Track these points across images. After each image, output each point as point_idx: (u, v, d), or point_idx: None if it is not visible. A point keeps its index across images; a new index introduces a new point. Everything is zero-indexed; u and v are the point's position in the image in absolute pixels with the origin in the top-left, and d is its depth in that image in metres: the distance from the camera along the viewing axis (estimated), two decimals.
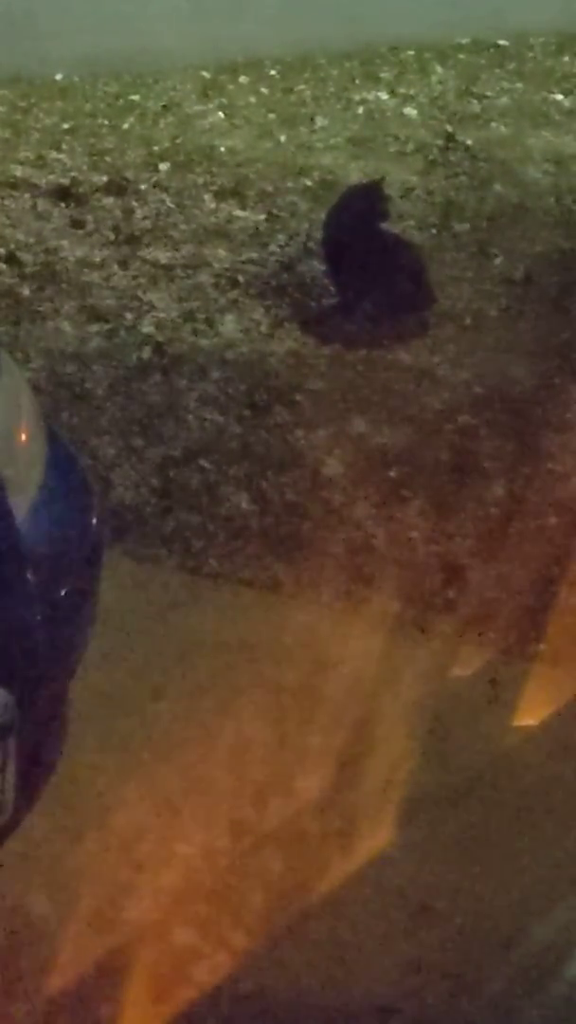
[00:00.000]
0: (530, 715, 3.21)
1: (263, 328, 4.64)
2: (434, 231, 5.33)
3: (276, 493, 3.88)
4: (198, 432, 4.11)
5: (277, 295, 4.84)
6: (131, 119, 6.13)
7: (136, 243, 5.10)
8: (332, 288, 4.79)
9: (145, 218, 5.27)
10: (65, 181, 5.47)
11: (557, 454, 4.08)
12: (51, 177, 5.51)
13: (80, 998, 2.53)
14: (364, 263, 4.67)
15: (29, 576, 2.33)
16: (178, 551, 3.67)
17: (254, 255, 5.07)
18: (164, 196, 5.44)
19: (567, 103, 6.58)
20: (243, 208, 5.39)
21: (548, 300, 4.91)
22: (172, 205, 5.38)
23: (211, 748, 2.99)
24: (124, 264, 4.96)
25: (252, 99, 6.40)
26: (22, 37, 6.28)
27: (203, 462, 3.98)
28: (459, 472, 4.00)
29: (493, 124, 6.29)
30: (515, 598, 3.54)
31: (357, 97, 6.50)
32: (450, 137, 6.09)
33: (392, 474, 3.97)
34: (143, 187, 5.48)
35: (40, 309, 4.65)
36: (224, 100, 6.36)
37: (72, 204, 5.32)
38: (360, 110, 6.37)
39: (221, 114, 6.22)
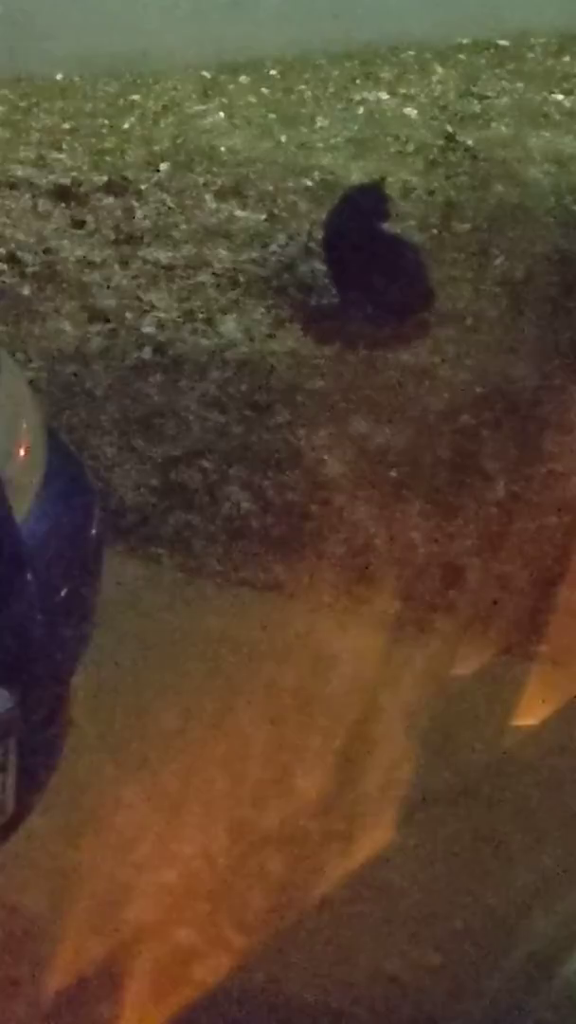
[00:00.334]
0: (530, 715, 3.21)
1: (264, 328, 4.64)
2: (434, 231, 5.33)
3: (277, 493, 3.88)
4: (198, 432, 4.11)
5: (278, 295, 4.84)
6: (131, 119, 6.13)
7: (136, 243, 5.10)
8: (333, 288, 4.79)
9: (145, 218, 5.27)
10: (65, 181, 5.47)
11: (558, 454, 4.08)
12: (51, 177, 5.51)
13: (79, 998, 2.53)
14: (365, 263, 4.67)
15: (29, 576, 2.33)
16: (178, 551, 3.67)
17: (255, 255, 5.07)
18: (165, 196, 5.44)
19: (568, 103, 6.57)
20: (244, 208, 5.39)
21: (549, 300, 4.91)
22: (172, 205, 5.38)
23: (211, 748, 3.00)
24: (124, 264, 4.96)
25: (253, 99, 6.39)
26: (22, 37, 6.28)
27: (204, 462, 3.98)
28: (460, 472, 4.00)
29: (493, 124, 6.29)
30: (516, 598, 3.54)
31: (357, 97, 6.50)
32: (450, 137, 6.08)
33: (393, 474, 3.97)
34: (143, 187, 5.48)
35: (40, 309, 4.65)
36: (225, 100, 6.36)
37: (72, 204, 5.31)
38: (360, 110, 6.37)
39: (221, 114, 6.21)
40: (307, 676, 3.20)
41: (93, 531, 2.59)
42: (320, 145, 5.98)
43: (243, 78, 6.58)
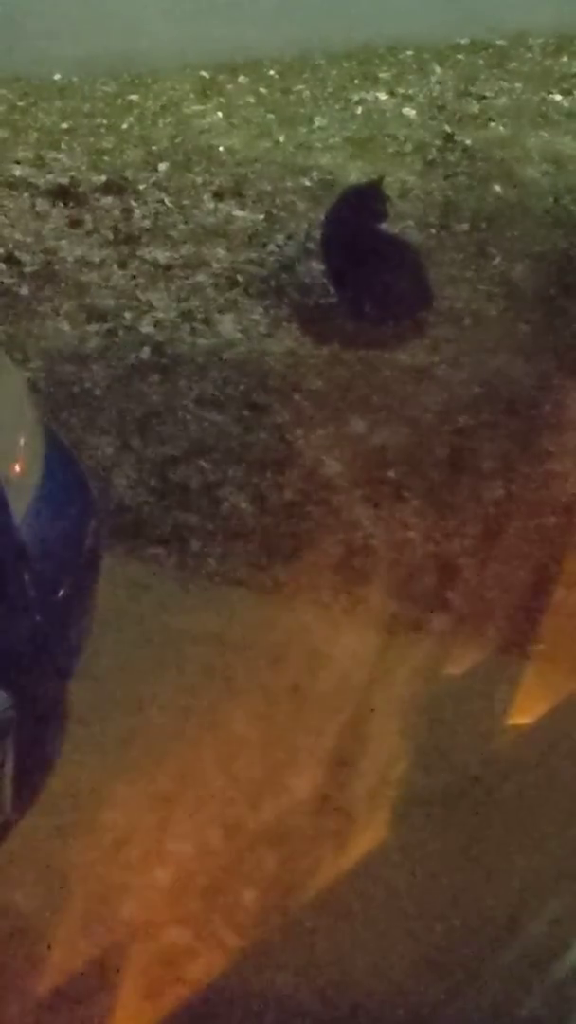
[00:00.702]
0: (526, 714, 3.22)
1: (262, 328, 4.65)
2: (433, 231, 5.33)
3: (275, 493, 3.89)
4: (197, 432, 4.12)
5: (276, 295, 4.84)
6: (130, 119, 6.13)
7: (135, 243, 5.10)
8: (331, 288, 4.79)
9: (144, 218, 5.28)
10: (64, 181, 5.48)
11: (555, 454, 4.09)
12: (50, 177, 5.52)
13: (73, 997, 2.53)
14: (363, 263, 4.68)
15: (27, 577, 2.33)
16: (176, 551, 3.68)
17: (253, 255, 5.08)
18: (163, 196, 5.44)
19: (566, 103, 6.58)
20: (242, 208, 5.39)
21: (547, 300, 4.92)
22: (171, 205, 5.38)
23: (206, 747, 3.00)
24: (123, 264, 4.97)
25: (251, 99, 6.40)
26: (21, 37, 6.29)
27: (202, 462, 3.99)
28: (457, 472, 4.01)
29: (492, 124, 6.29)
30: (512, 597, 3.55)
31: (356, 97, 6.50)
32: (449, 137, 6.09)
33: (390, 474, 3.98)
34: (142, 187, 5.49)
35: (39, 309, 4.66)
36: (223, 100, 6.36)
37: (71, 204, 5.32)
38: (359, 110, 6.37)
39: (220, 114, 6.22)
40: (303, 675, 3.21)
41: (91, 531, 2.60)
42: (318, 145, 5.98)
43: (241, 78, 6.58)
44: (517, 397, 4.35)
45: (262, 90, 6.50)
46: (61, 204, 5.31)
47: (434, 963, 2.67)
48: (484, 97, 6.58)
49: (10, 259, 4.93)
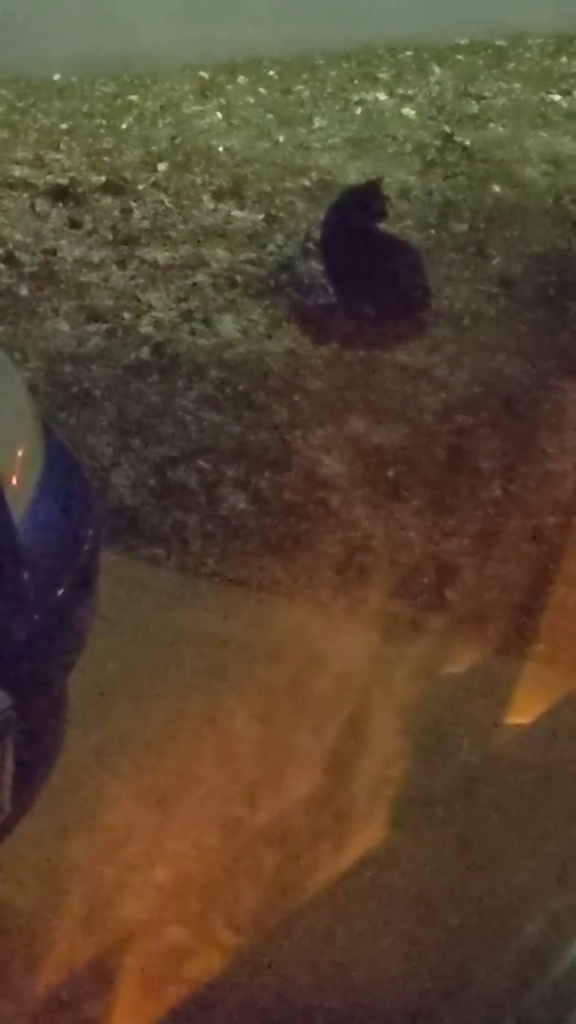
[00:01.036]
0: (524, 713, 3.22)
1: (261, 328, 4.65)
2: (432, 231, 5.34)
3: (274, 493, 3.89)
4: (196, 432, 4.12)
5: (275, 295, 4.85)
6: (129, 119, 6.14)
7: (134, 243, 5.11)
8: (330, 288, 4.80)
9: (143, 218, 5.28)
10: (63, 181, 5.48)
11: (554, 454, 4.09)
12: (49, 177, 5.52)
13: (71, 997, 2.53)
14: (362, 263, 4.68)
15: (26, 575, 2.33)
16: (176, 551, 3.68)
17: (252, 255, 5.08)
18: (162, 196, 5.45)
19: (565, 104, 6.59)
20: (241, 208, 5.40)
21: (546, 300, 4.92)
22: (170, 205, 5.39)
23: (206, 747, 3.00)
24: (122, 264, 4.97)
25: (250, 99, 6.41)
26: (20, 37, 6.29)
27: (201, 462, 3.99)
28: (456, 472, 4.01)
29: (491, 124, 6.30)
30: (511, 597, 3.55)
31: (355, 97, 6.51)
32: (448, 137, 6.10)
33: (389, 474, 3.98)
34: (141, 187, 5.49)
35: (38, 309, 4.66)
36: (222, 100, 6.37)
37: (70, 204, 5.33)
38: (358, 110, 6.38)
39: (219, 114, 6.23)
40: (302, 675, 3.21)
41: (90, 530, 2.60)
42: (318, 145, 5.99)
43: (241, 78, 6.59)
44: (516, 397, 4.35)
45: (262, 90, 6.51)
46: (60, 204, 5.32)
47: (433, 963, 2.67)
48: (483, 97, 6.59)
49: (10, 259, 4.93)
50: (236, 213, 5.36)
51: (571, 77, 6.90)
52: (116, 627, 3.15)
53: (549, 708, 3.23)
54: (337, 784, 2.97)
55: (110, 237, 5.13)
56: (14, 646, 2.29)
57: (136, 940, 2.62)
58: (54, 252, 5.01)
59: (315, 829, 2.89)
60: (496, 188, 5.70)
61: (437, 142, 6.06)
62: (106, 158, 5.73)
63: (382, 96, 6.54)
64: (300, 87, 6.58)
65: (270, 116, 6.25)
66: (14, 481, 2.43)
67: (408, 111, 6.39)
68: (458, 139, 6.09)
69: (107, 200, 5.38)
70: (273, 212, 5.38)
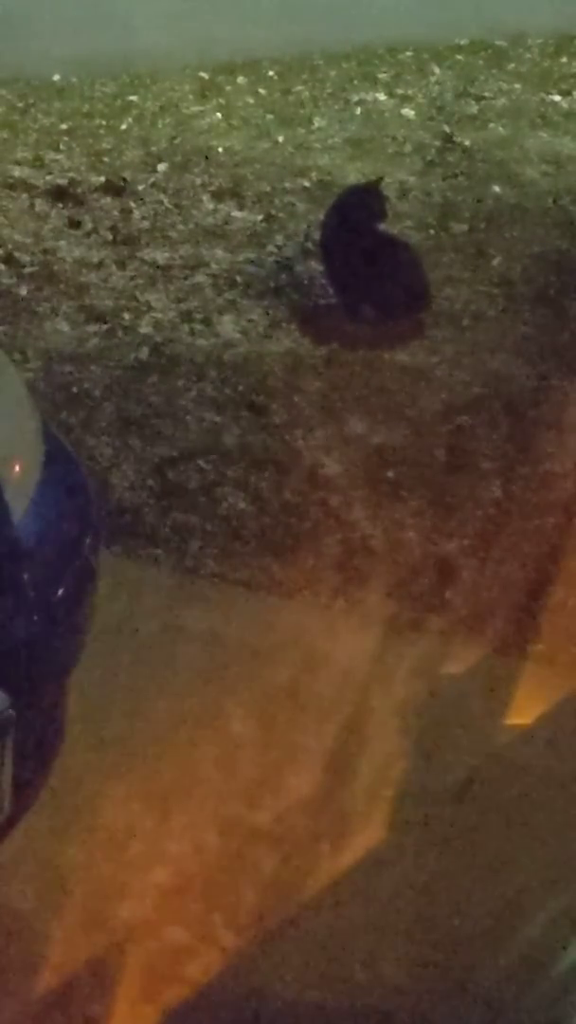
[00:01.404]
0: (524, 714, 3.22)
1: (261, 328, 4.65)
2: (432, 232, 5.34)
3: (273, 493, 3.89)
4: (196, 432, 4.12)
5: (275, 295, 4.84)
6: (129, 119, 6.13)
7: (134, 243, 5.10)
8: (330, 289, 4.79)
9: (143, 218, 5.28)
10: (63, 181, 5.48)
11: (554, 454, 4.09)
12: (49, 177, 5.52)
13: (71, 997, 2.53)
14: (362, 264, 4.68)
15: (25, 576, 2.33)
16: (175, 551, 3.68)
17: (252, 255, 5.08)
18: (162, 196, 5.45)
19: (565, 104, 6.58)
20: (241, 209, 5.39)
21: (546, 301, 4.92)
22: (170, 205, 5.39)
23: (205, 747, 3.00)
24: (122, 264, 4.97)
25: (250, 100, 6.40)
26: (20, 37, 6.28)
27: (201, 462, 3.99)
28: (456, 472, 4.01)
29: (491, 125, 6.30)
30: (510, 597, 3.55)
31: (355, 98, 6.51)
32: (448, 138, 6.10)
33: (389, 474, 3.98)
34: (141, 187, 5.49)
35: (38, 309, 4.66)
36: (222, 101, 6.36)
37: (70, 204, 5.32)
38: (358, 111, 6.38)
39: (219, 115, 6.22)
40: (302, 675, 3.21)
41: (90, 530, 2.60)
42: (317, 146, 5.99)
43: (240, 79, 6.59)
44: (516, 397, 4.35)
45: (261, 91, 6.51)
46: (60, 205, 5.32)
47: (433, 963, 2.67)
48: (483, 98, 6.59)
49: (9, 260, 4.93)
50: (236, 213, 5.36)
51: (571, 77, 6.89)
52: (116, 627, 3.15)
53: (549, 708, 3.23)
54: (337, 784, 2.97)
55: (110, 237, 5.13)
56: (14, 646, 2.29)
57: (136, 940, 2.62)
58: (54, 252, 5.01)
59: (315, 829, 2.89)
60: (496, 188, 5.69)
61: (437, 142, 6.06)
62: (106, 158, 5.73)
63: (382, 96, 6.54)
64: (300, 87, 6.58)
65: (270, 116, 6.25)
66: (14, 481, 2.43)
67: (408, 111, 6.39)
68: (458, 139, 6.08)
69: (107, 200, 5.38)
70: (273, 212, 5.38)
